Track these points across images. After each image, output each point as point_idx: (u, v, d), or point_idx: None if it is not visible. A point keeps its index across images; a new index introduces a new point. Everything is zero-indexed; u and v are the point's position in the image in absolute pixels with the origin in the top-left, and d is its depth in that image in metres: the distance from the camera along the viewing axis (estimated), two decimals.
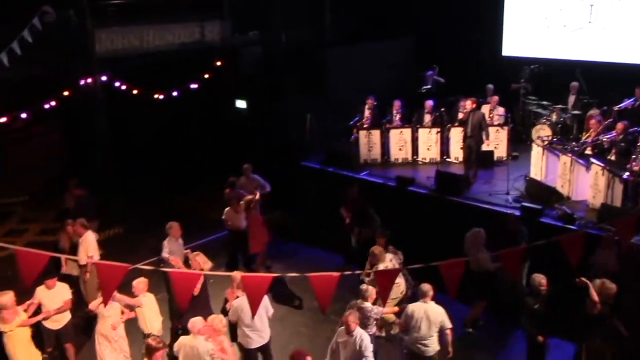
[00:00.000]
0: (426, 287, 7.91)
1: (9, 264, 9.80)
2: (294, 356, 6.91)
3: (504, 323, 9.96)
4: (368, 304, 8.09)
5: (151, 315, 8.83)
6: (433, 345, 7.98)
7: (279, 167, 13.47)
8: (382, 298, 7.55)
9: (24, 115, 13.11)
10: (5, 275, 9.69)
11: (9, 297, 8.17)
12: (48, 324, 8.89)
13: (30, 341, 8.53)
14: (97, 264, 5.65)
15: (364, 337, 7.37)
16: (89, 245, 10.26)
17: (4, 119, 12.98)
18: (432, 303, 7.93)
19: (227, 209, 11.55)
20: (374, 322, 8.29)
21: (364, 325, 7.79)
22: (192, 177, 15.82)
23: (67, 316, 9.04)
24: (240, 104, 16.49)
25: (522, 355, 8.80)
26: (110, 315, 8.56)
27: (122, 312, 8.71)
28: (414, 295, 8.75)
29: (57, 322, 8.95)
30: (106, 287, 5.80)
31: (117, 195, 14.43)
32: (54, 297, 8.80)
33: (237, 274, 8.41)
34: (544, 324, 8.28)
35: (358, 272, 7.19)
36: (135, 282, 8.68)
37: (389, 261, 9.34)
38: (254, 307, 5.76)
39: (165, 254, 9.85)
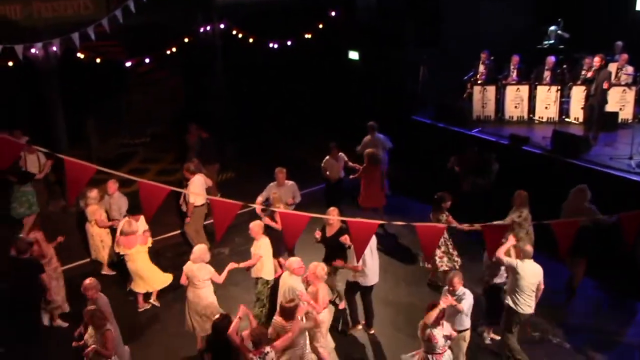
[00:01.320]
0: (530, 248, 7.82)
1: (130, 199, 10.49)
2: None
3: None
4: None
5: (267, 259, 8.91)
6: (532, 305, 7.87)
7: (389, 120, 13.34)
8: (488, 251, 7.38)
9: (147, 60, 13.82)
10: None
11: (140, 221, 9.32)
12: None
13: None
14: (211, 200, 5.91)
15: (466, 297, 7.41)
16: (191, 189, 10.65)
17: (129, 63, 13.72)
18: (533, 262, 7.80)
19: (326, 157, 11.66)
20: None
21: None
22: (302, 126, 16.07)
23: None
24: (353, 55, 16.40)
25: None
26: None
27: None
28: None
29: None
30: (219, 224, 6.08)
31: (231, 140, 14.91)
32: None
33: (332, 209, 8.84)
34: None
35: (466, 225, 7.05)
36: (252, 225, 8.81)
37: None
38: (359, 251, 5.85)
39: (270, 196, 10.17)
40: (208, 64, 14.93)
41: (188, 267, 8.22)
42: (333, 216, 8.70)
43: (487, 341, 8.67)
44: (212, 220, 11.43)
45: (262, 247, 8.83)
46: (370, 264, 8.59)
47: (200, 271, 8.11)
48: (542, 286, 7.79)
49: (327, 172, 11.71)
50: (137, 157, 15.75)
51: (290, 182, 10.57)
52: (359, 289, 8.75)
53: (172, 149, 15.23)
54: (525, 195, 9.30)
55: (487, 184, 11.17)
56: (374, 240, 8.34)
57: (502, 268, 8.19)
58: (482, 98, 13.97)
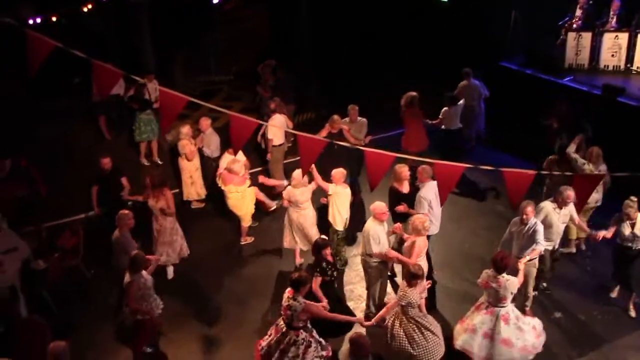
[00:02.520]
0: None
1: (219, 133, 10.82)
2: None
3: None
4: None
5: (341, 208, 8.92)
6: None
7: (475, 65, 12.94)
8: (579, 203, 7.17)
9: None
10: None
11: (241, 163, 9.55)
12: None
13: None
14: (298, 136, 5.97)
15: (537, 226, 7.56)
16: (271, 128, 10.75)
17: (216, 0, 13.81)
18: None
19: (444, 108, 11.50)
20: None
21: None
22: (385, 68, 15.81)
23: None
24: None
25: None
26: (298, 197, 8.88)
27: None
28: None
29: None
30: (305, 159, 6.17)
31: (313, 80, 14.90)
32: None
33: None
34: None
35: (556, 172, 6.85)
36: (334, 172, 8.82)
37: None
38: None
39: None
40: (294, 2, 14.82)
41: (290, 192, 8.80)
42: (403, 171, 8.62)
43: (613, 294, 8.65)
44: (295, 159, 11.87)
45: (340, 195, 8.83)
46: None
47: (303, 195, 8.75)
48: None
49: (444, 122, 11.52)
50: (220, 95, 16.03)
51: (362, 119, 10.69)
52: None
53: (255, 87, 15.37)
54: (600, 151, 9.01)
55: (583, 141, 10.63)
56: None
57: None
58: (577, 45, 13.24)
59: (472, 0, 14.77)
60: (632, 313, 8.34)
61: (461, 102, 11.69)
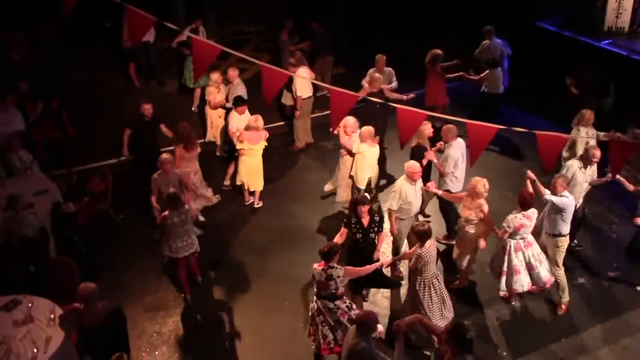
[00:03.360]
0: None
1: (249, 85, 10.80)
2: None
3: None
4: None
5: (365, 167, 8.88)
6: None
7: (511, 24, 12.62)
8: (612, 169, 7.05)
9: None
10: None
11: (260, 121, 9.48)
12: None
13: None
14: (331, 90, 5.92)
15: (568, 201, 7.47)
16: (297, 82, 10.68)
17: None
18: None
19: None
20: None
21: None
22: (415, 25, 15.45)
23: None
24: None
25: None
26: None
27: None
28: None
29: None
30: (336, 115, 6.13)
31: (344, 34, 14.64)
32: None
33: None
34: None
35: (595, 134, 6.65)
36: (363, 130, 8.79)
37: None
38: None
39: (364, 81, 10.51)
40: None
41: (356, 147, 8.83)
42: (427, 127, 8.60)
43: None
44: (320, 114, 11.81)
45: (366, 154, 8.79)
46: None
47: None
48: None
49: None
50: (249, 45, 15.89)
51: (389, 69, 10.77)
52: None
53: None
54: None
55: (607, 106, 10.47)
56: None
57: None
58: (618, 7, 12.81)
59: None
60: None
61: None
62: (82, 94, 12.78)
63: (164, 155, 8.48)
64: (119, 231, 9.37)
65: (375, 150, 8.90)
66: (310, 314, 6.94)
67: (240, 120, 9.75)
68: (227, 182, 10.34)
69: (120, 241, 9.18)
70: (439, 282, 7.09)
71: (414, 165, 7.81)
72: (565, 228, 7.53)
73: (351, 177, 9.11)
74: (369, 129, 8.76)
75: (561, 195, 7.43)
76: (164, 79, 13.74)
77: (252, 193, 10.02)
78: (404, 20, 15.55)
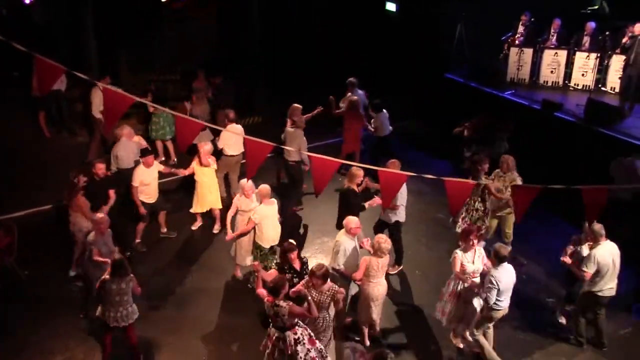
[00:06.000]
0: (598, 226, 7.55)
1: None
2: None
3: None
4: None
5: (267, 228, 8.58)
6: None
7: (422, 76, 13.20)
8: (517, 214, 7.34)
9: None
10: None
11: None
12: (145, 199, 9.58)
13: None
14: (246, 140, 5.96)
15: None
16: (224, 136, 10.53)
17: None
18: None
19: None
20: None
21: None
22: (335, 75, 15.87)
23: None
24: (391, 6, 16.07)
25: None
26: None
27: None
28: None
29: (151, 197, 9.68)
30: (250, 162, 6.15)
31: (261, 85, 14.88)
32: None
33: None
34: None
35: (497, 184, 6.96)
36: (261, 188, 8.66)
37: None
38: (387, 201, 5.89)
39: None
40: (244, 7, 14.77)
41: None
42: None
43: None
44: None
45: (266, 215, 8.61)
46: (403, 200, 8.86)
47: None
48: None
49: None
50: (165, 94, 15.75)
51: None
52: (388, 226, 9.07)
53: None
54: (513, 160, 9.25)
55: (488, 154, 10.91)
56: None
57: None
58: (518, 60, 13.74)
59: (420, 12, 15.05)
60: (563, 320, 8.62)
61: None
62: None
63: (100, 215, 8.04)
64: (24, 287, 8.87)
65: (274, 207, 8.80)
66: (267, 331, 6.97)
67: (147, 173, 9.48)
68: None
69: (26, 298, 8.69)
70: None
71: (353, 220, 7.82)
72: None
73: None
74: (265, 188, 8.67)
75: None
76: (74, 128, 13.39)
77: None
78: (326, 74, 15.92)
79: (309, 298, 6.70)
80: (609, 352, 8.05)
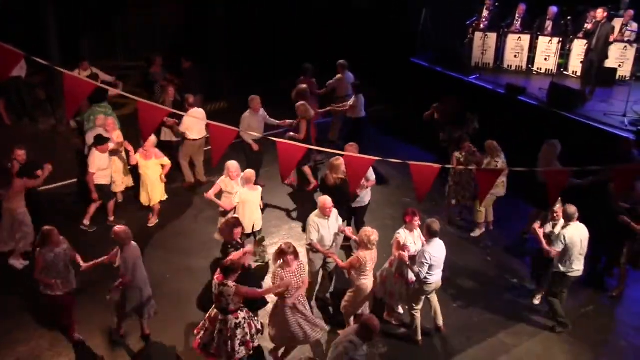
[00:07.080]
0: (572, 208, 7.75)
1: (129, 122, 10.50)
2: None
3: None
4: None
5: (248, 212, 8.61)
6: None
7: (387, 60, 13.23)
8: (481, 195, 7.47)
9: None
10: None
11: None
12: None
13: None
14: (210, 125, 5.90)
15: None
16: (185, 121, 10.51)
17: None
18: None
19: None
20: None
21: None
22: (301, 60, 15.81)
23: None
24: None
25: None
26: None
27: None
28: None
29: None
30: (215, 148, 6.09)
31: (227, 70, 14.73)
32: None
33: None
34: None
35: (461, 167, 7.09)
36: (246, 173, 8.70)
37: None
38: (354, 185, 5.92)
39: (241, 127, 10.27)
40: None
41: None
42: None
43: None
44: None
45: (249, 199, 8.68)
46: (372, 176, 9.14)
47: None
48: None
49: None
50: (130, 81, 15.52)
51: (262, 111, 10.69)
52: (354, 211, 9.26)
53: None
54: (495, 143, 9.50)
55: (461, 136, 11.08)
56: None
57: None
58: (483, 45, 13.87)
59: None
60: (537, 301, 8.77)
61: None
62: None
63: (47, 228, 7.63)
64: None
65: (257, 193, 8.81)
66: (208, 313, 6.97)
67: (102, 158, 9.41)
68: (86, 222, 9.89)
69: None
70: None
71: (327, 201, 7.86)
72: None
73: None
74: (250, 172, 8.70)
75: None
76: (36, 116, 13.12)
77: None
78: (290, 59, 15.85)
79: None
80: (572, 331, 8.26)
